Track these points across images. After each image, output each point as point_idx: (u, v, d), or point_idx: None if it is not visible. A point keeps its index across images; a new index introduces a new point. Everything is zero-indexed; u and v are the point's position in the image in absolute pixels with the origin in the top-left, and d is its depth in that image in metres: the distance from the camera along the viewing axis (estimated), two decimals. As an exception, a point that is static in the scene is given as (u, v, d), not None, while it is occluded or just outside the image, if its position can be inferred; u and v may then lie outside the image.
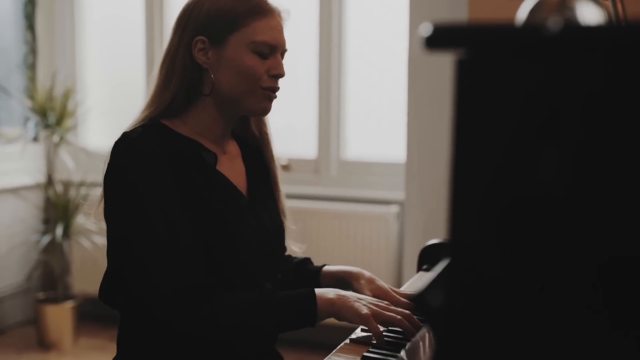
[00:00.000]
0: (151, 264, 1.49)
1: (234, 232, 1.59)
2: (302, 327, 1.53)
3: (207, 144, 1.66)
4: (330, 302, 1.51)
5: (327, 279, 1.79)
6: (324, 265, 1.83)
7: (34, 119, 4.27)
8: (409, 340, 1.48)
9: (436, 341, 0.76)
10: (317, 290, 1.53)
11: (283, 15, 1.67)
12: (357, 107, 4.10)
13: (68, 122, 4.22)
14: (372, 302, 1.53)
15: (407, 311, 1.53)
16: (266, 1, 1.64)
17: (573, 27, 0.71)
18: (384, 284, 1.72)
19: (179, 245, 1.50)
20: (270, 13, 1.63)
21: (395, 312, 1.51)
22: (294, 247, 1.84)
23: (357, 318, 1.48)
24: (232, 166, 1.70)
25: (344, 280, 1.76)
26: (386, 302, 1.56)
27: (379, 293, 1.68)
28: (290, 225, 1.81)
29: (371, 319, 1.47)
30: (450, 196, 0.71)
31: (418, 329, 1.50)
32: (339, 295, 1.52)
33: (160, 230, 1.49)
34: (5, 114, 4.40)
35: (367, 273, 1.74)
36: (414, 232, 3.33)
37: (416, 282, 1.89)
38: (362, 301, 1.52)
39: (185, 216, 1.53)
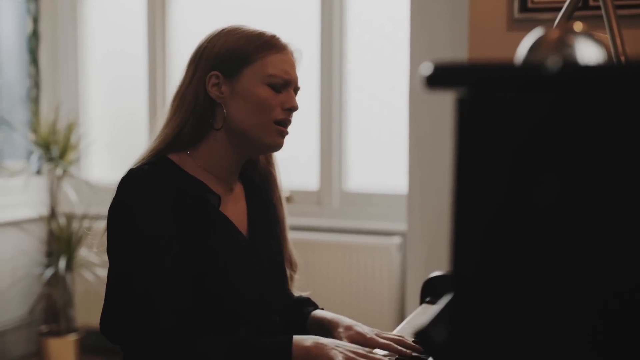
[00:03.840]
0: (135, 303, 1.51)
1: (232, 274, 1.60)
2: None
3: (213, 181, 1.67)
4: (307, 349, 1.50)
5: (312, 325, 1.78)
6: (316, 309, 1.82)
7: (37, 152, 4.28)
8: None
9: (440, 376, 0.76)
10: (295, 338, 1.52)
11: (296, 55, 1.69)
12: (359, 138, 4.11)
13: (71, 155, 4.24)
14: (350, 349, 1.51)
15: (385, 356, 1.52)
16: (278, 38, 1.66)
17: (572, 66, 0.73)
18: (366, 328, 1.68)
19: (165, 290, 1.51)
20: (283, 49, 1.66)
21: (372, 359, 1.50)
22: (297, 295, 1.85)
23: None
24: (235, 206, 1.71)
25: (326, 328, 1.74)
26: (367, 350, 1.55)
27: (357, 339, 1.64)
28: (295, 276, 1.81)
29: None
30: (453, 228, 0.72)
31: None
32: (316, 343, 1.51)
33: (149, 273, 1.51)
34: (8, 147, 4.41)
35: (346, 321, 1.71)
36: (416, 263, 3.33)
37: (419, 314, 1.89)
38: (340, 348, 1.50)
39: (178, 261, 1.54)
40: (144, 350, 1.51)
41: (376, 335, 1.64)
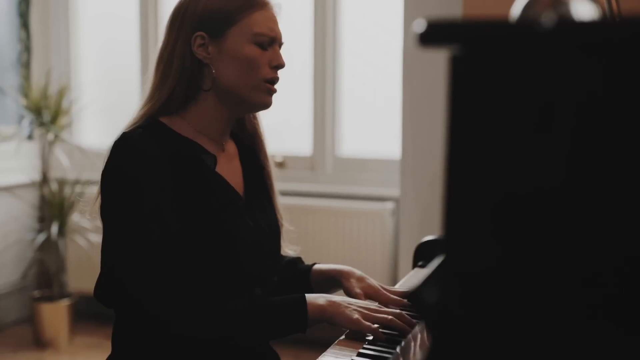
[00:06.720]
0: (142, 267, 1.49)
1: (231, 234, 1.59)
2: (293, 333, 1.54)
3: (206, 142, 1.66)
4: (321, 308, 1.51)
5: (318, 278, 1.80)
6: (315, 263, 1.84)
7: (28, 117, 4.25)
8: (404, 337, 1.48)
9: (431, 337, 0.76)
10: (308, 296, 1.53)
11: (276, 9, 1.68)
12: (352, 103, 4.09)
13: (63, 120, 4.21)
14: (362, 305, 1.54)
15: (398, 310, 1.54)
16: None
17: (567, 23, 0.71)
18: (375, 282, 1.73)
19: (171, 251, 1.50)
20: (265, 6, 1.65)
21: (386, 314, 1.52)
22: (288, 250, 1.84)
23: (349, 323, 1.49)
24: (230, 166, 1.70)
25: (334, 279, 1.77)
26: (376, 304, 1.57)
27: (369, 291, 1.70)
28: (287, 226, 1.81)
29: (362, 322, 1.48)
30: (445, 193, 0.71)
31: (412, 326, 1.50)
32: (329, 301, 1.52)
33: (153, 234, 1.49)
34: (-1, 112, 4.39)
35: (357, 272, 1.75)
36: (409, 229, 3.33)
37: (411, 278, 1.89)
38: (352, 306, 1.52)
39: (179, 222, 1.52)
40: (157, 316, 1.49)
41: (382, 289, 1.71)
